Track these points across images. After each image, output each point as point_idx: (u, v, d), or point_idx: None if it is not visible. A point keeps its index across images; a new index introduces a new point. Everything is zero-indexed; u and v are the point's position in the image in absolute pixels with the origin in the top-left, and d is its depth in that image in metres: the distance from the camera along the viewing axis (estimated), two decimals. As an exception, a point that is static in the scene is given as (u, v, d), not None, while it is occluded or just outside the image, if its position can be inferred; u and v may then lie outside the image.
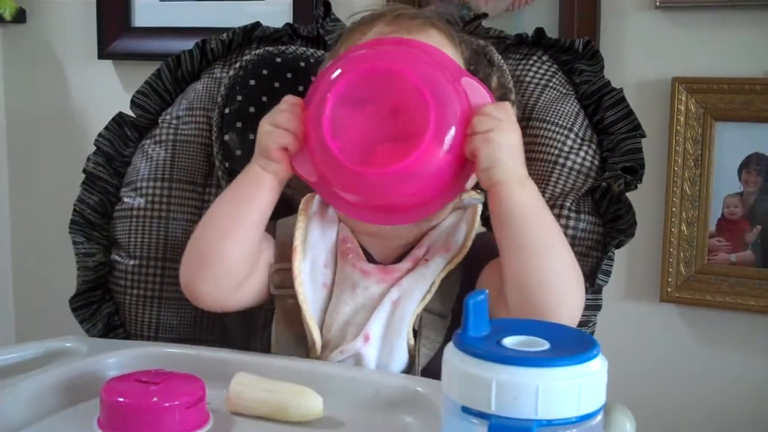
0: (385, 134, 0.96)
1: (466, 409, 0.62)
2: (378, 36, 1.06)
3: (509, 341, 0.64)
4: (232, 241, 1.04)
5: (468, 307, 0.65)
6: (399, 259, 1.08)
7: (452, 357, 0.64)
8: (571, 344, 0.64)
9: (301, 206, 1.12)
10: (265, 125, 1.03)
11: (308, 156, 1.01)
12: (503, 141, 0.95)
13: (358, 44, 1.04)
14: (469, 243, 1.07)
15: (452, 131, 0.95)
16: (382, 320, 1.04)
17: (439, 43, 1.06)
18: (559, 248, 0.99)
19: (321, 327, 1.05)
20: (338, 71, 0.97)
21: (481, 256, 1.07)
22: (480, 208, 1.12)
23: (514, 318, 0.92)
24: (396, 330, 1.03)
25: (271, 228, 1.11)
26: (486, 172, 0.96)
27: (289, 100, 1.04)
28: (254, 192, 1.04)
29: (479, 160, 0.95)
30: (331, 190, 1.00)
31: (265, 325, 1.13)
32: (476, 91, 0.99)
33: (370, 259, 1.08)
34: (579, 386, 0.61)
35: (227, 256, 1.04)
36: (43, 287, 2.29)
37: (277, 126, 1.01)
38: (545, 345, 0.64)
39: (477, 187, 1.14)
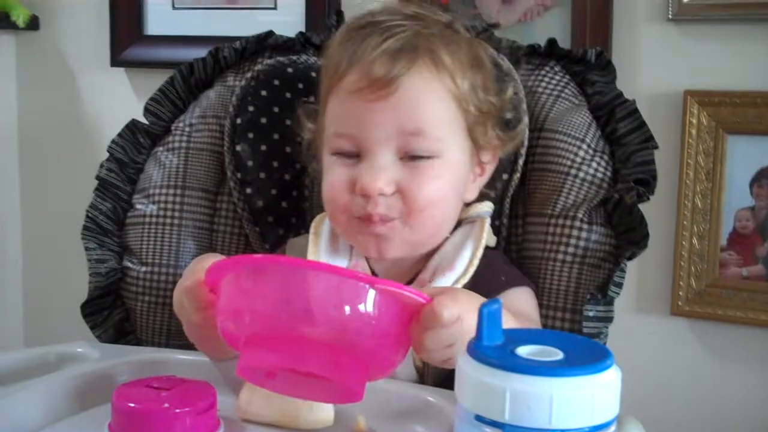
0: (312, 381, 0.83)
1: (479, 418, 0.62)
2: (349, 92, 1.02)
3: (523, 350, 0.64)
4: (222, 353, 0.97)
5: (482, 316, 0.65)
6: (408, 282, 1.08)
7: (466, 365, 0.64)
8: (585, 354, 0.64)
9: (312, 229, 1.13)
10: (176, 306, 0.93)
11: None
12: (468, 330, 0.78)
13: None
14: (476, 263, 1.06)
15: (390, 362, 0.83)
16: None
17: (419, 87, 1.01)
18: None
19: None
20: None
21: (487, 274, 1.07)
22: (488, 221, 1.12)
23: (527, 328, 0.91)
24: None
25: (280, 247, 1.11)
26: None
27: (194, 303, 0.88)
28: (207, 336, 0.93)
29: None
30: None
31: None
32: (398, 295, 0.80)
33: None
34: (593, 396, 0.61)
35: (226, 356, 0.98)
36: (52, 293, 2.30)
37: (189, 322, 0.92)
38: (559, 355, 0.64)
39: (485, 197, 1.14)
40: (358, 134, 1.03)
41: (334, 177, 1.05)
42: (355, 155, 1.04)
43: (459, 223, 1.11)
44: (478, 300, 0.86)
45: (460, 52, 1.06)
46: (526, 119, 1.16)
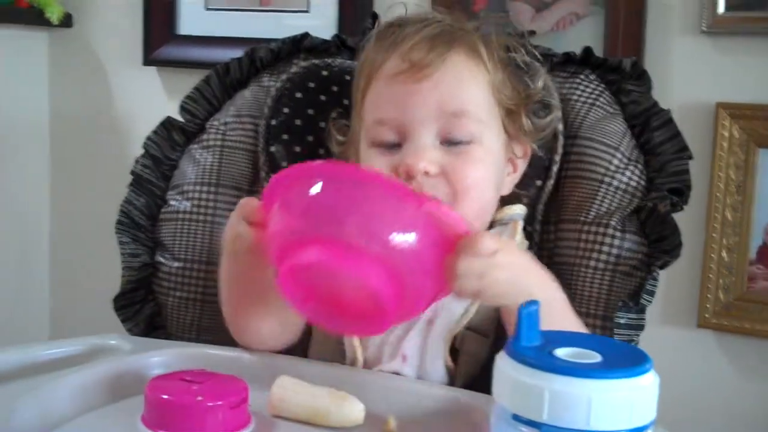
0: (348, 294, 0.87)
1: (517, 417, 0.62)
2: (390, 76, 1.04)
3: (561, 352, 0.65)
4: (255, 320, 1.05)
5: (521, 316, 0.65)
6: None
7: (504, 365, 0.64)
8: (623, 357, 0.65)
9: None
10: (228, 233, 1.00)
11: None
12: (498, 292, 0.90)
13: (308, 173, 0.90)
14: None
15: (423, 287, 0.86)
16: (417, 340, 1.04)
17: (459, 68, 1.05)
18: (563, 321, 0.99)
19: None
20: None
21: None
22: (521, 224, 1.12)
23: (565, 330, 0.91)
24: (432, 350, 1.04)
25: None
26: (491, 300, 0.94)
27: (246, 219, 0.96)
28: (248, 275, 1.02)
29: (481, 298, 0.93)
30: None
31: (302, 338, 1.14)
32: (443, 220, 0.86)
33: None
34: (631, 399, 0.61)
35: (256, 330, 1.06)
36: (78, 289, 2.32)
37: (236, 231, 0.97)
38: (597, 357, 0.64)
39: (516, 200, 1.14)
40: (400, 117, 1.04)
41: (374, 165, 1.06)
42: (396, 144, 1.05)
43: (491, 225, 1.11)
44: (523, 254, 0.95)
45: (491, 47, 1.09)
46: (558, 113, 1.17)
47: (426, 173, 1.02)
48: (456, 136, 1.04)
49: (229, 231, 1.00)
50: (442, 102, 1.04)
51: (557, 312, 0.99)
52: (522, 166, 1.15)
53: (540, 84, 1.15)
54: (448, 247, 0.86)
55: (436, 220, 0.85)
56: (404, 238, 0.83)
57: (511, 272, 0.91)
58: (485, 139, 1.06)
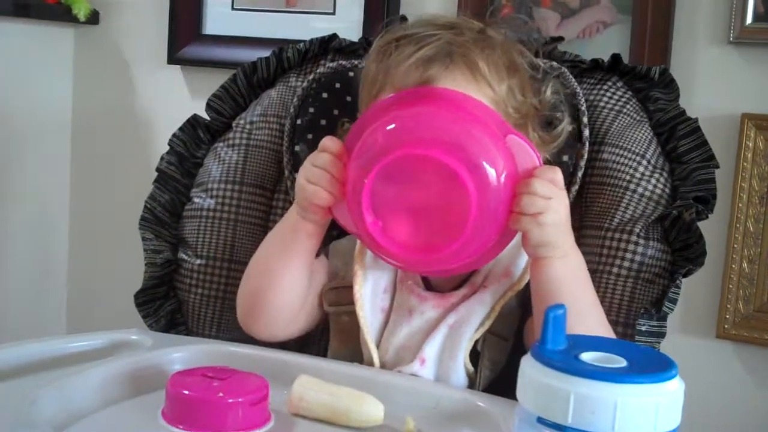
0: (429, 208, 0.95)
1: (541, 420, 0.62)
2: (403, 82, 1.02)
3: (587, 356, 0.65)
4: (279, 290, 1.08)
5: (547, 319, 0.65)
6: (458, 286, 1.08)
7: (530, 368, 0.64)
8: (648, 363, 0.64)
9: None
10: (301, 179, 1.02)
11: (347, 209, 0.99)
12: (553, 221, 0.94)
13: (395, 97, 0.99)
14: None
15: (497, 211, 0.93)
16: (438, 344, 1.04)
17: (458, 84, 1.01)
18: (593, 320, 1.00)
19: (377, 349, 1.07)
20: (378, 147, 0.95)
21: None
22: None
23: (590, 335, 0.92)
24: (452, 354, 1.04)
25: (324, 248, 1.13)
26: (533, 249, 0.97)
27: (326, 151, 1.00)
28: (295, 240, 1.06)
29: (528, 238, 0.96)
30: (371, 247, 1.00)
31: (320, 339, 1.14)
32: (522, 151, 0.95)
33: (429, 286, 1.09)
34: (657, 404, 0.61)
35: (275, 304, 1.08)
36: (96, 286, 2.33)
37: (314, 183, 1.00)
38: (623, 362, 0.64)
39: None
40: None
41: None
42: None
43: None
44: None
45: (494, 56, 1.05)
46: (567, 119, 1.15)
47: None
48: None
49: (304, 170, 1.02)
50: None
51: (582, 282, 1.02)
52: None
53: (549, 93, 1.12)
54: (522, 178, 0.94)
55: (515, 151, 0.94)
56: (489, 160, 0.91)
57: (561, 222, 0.96)
58: None
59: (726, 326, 1.65)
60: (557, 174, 0.95)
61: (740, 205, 1.62)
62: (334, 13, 2.01)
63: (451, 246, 0.92)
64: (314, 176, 1.00)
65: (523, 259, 1.07)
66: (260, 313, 1.09)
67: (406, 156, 0.92)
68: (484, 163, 0.91)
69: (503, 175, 0.92)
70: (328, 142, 1.01)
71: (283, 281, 1.07)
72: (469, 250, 0.94)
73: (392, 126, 0.95)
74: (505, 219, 0.94)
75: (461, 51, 1.02)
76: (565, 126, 1.14)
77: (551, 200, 0.93)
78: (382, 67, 1.05)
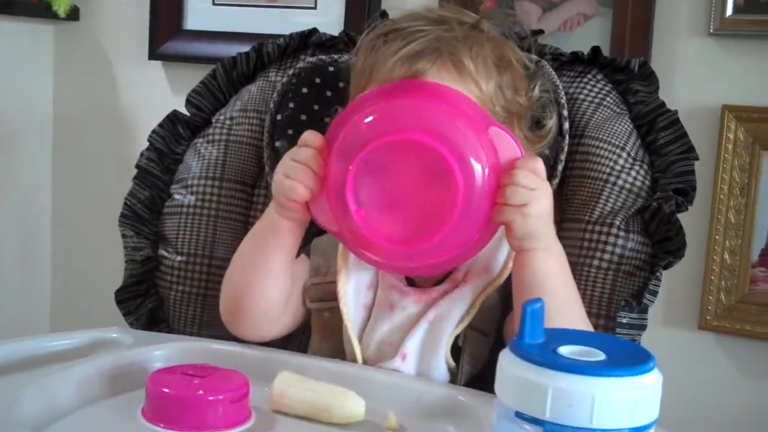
0: (411, 200, 0.95)
1: (519, 415, 0.62)
2: (389, 78, 1.01)
3: (565, 350, 0.65)
4: (261, 291, 1.07)
5: (525, 313, 0.65)
6: (439, 281, 1.08)
7: (508, 362, 0.64)
8: (627, 356, 0.64)
9: None
10: (279, 174, 1.00)
11: (327, 206, 0.98)
12: (537, 212, 0.94)
13: (379, 90, 0.99)
14: (511, 264, 1.06)
15: (481, 203, 0.93)
16: (418, 339, 1.04)
17: (445, 82, 1.00)
18: (573, 314, 1.00)
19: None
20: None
21: None
22: None
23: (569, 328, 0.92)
24: (432, 349, 1.04)
25: (305, 247, 1.12)
26: (518, 241, 0.97)
27: (306, 147, 0.99)
28: (275, 239, 1.05)
29: (512, 230, 0.95)
30: (352, 243, 1.00)
31: (301, 335, 1.14)
32: (505, 143, 0.95)
33: (410, 281, 1.09)
34: (634, 398, 0.61)
35: (259, 305, 1.07)
36: (79, 283, 2.32)
37: (292, 178, 0.99)
38: (601, 355, 0.64)
39: None
40: None
41: None
42: None
43: None
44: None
45: (484, 53, 1.03)
46: (555, 116, 1.15)
47: None
48: None
49: (282, 164, 1.01)
50: None
51: (565, 276, 1.01)
52: None
53: (536, 91, 1.11)
54: (504, 170, 0.94)
55: (497, 143, 0.94)
56: (474, 151, 0.92)
57: (545, 213, 0.96)
58: None
59: (708, 317, 1.66)
60: (539, 164, 0.95)
61: (721, 196, 1.63)
62: (315, 8, 2.00)
63: (434, 237, 0.92)
64: (293, 171, 0.98)
65: (503, 254, 1.07)
66: (244, 315, 1.08)
67: (392, 143, 0.92)
68: (470, 156, 0.91)
69: (487, 168, 0.92)
70: (310, 136, 1.00)
71: (265, 282, 1.06)
72: (451, 243, 0.94)
73: (374, 117, 0.94)
74: (488, 212, 0.94)
75: (448, 48, 1.01)
76: (552, 124, 1.14)
77: (535, 191, 0.93)
78: (370, 62, 1.04)
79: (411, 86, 0.98)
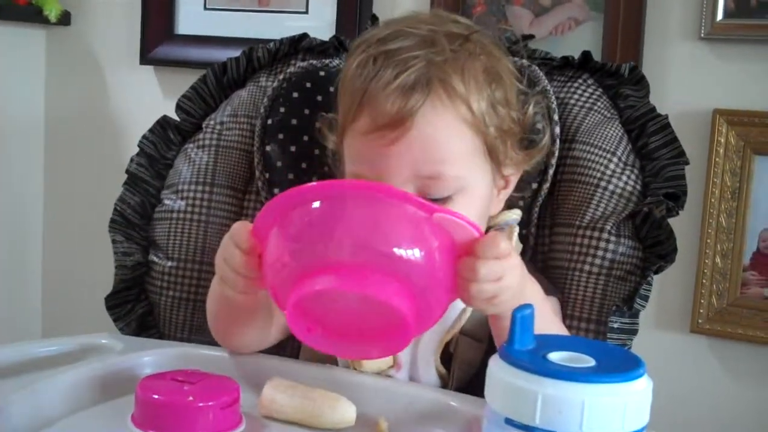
0: (361, 320, 0.84)
1: (509, 421, 0.62)
2: (362, 134, 0.99)
3: (554, 356, 0.65)
4: (241, 337, 1.04)
5: (515, 320, 0.65)
6: None
7: (497, 369, 0.64)
8: (616, 362, 0.64)
9: None
10: (219, 259, 0.94)
11: None
12: (507, 297, 0.88)
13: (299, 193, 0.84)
14: None
15: (437, 293, 0.84)
16: (410, 348, 1.04)
17: (434, 122, 0.97)
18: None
19: None
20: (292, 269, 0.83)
21: None
22: (516, 229, 1.12)
23: (559, 334, 0.91)
24: (423, 357, 1.04)
25: None
26: (492, 317, 0.94)
27: (237, 248, 0.89)
28: (234, 309, 1.00)
29: (484, 312, 0.92)
30: None
31: (292, 340, 1.13)
32: (455, 224, 0.83)
33: None
34: (625, 403, 0.61)
35: (242, 344, 1.05)
36: (71, 287, 2.31)
37: (232, 270, 0.91)
38: (590, 362, 0.64)
39: (514, 205, 1.14)
40: (376, 176, 0.99)
41: None
42: None
43: (487, 231, 1.11)
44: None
45: (476, 70, 1.01)
46: (549, 132, 1.14)
47: None
48: (434, 195, 0.98)
49: (220, 254, 0.94)
50: (416, 166, 0.97)
51: (546, 320, 0.99)
52: (514, 180, 1.10)
53: (531, 110, 1.10)
54: (462, 253, 0.84)
55: (447, 226, 0.82)
56: (418, 250, 0.81)
57: (514, 292, 0.89)
58: (469, 186, 1.01)
59: (700, 321, 1.66)
60: (501, 244, 0.85)
61: (712, 200, 1.63)
62: (307, 12, 2.00)
63: (398, 344, 0.85)
64: (226, 270, 0.92)
65: None
66: (230, 344, 1.06)
67: (320, 292, 0.80)
68: (410, 267, 0.80)
69: (437, 258, 0.82)
70: (238, 234, 0.90)
71: (242, 331, 1.03)
72: (418, 330, 0.86)
73: (297, 247, 0.83)
74: (449, 289, 0.85)
75: (439, 74, 0.98)
76: (547, 142, 1.12)
77: (501, 280, 0.86)
78: (360, 87, 1.01)
79: (335, 194, 0.84)
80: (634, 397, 0.62)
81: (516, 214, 1.13)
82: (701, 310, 1.66)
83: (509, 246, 0.87)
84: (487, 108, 1.01)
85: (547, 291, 1.09)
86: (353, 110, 1.01)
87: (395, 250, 0.80)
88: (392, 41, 1.01)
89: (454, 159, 0.99)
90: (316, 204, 0.82)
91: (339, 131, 1.07)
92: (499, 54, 1.07)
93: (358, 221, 0.81)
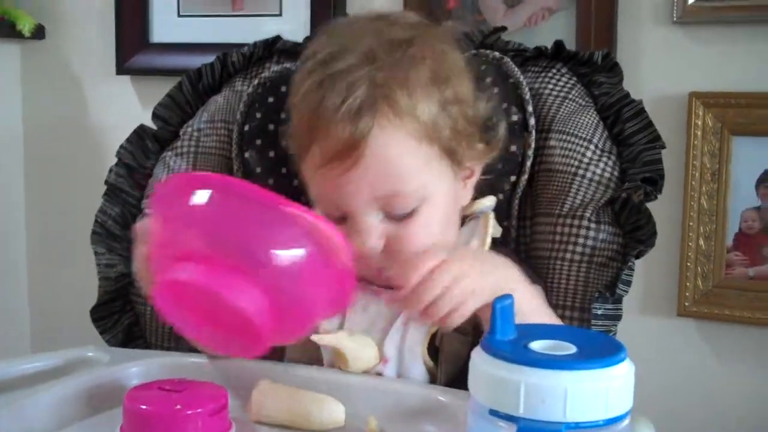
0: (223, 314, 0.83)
1: (493, 412, 0.62)
2: (317, 165, 1.00)
3: (536, 345, 0.65)
4: None
5: (495, 310, 0.65)
6: None
7: (480, 360, 0.64)
8: (598, 348, 0.64)
9: None
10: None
11: None
12: (475, 302, 0.92)
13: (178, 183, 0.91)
14: None
15: (310, 311, 0.85)
16: (396, 341, 1.04)
17: (386, 144, 0.98)
18: None
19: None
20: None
21: None
22: (492, 215, 1.12)
23: (540, 323, 0.92)
24: (410, 350, 1.04)
25: None
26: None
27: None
28: None
29: (467, 308, 0.93)
30: None
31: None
32: (330, 236, 0.83)
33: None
34: (607, 389, 0.61)
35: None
36: (57, 299, 2.31)
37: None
38: (572, 349, 0.64)
39: (484, 192, 1.14)
40: (337, 202, 1.01)
41: None
42: (342, 217, 1.02)
43: (464, 220, 1.11)
44: (482, 252, 0.97)
45: (421, 76, 1.01)
46: (503, 124, 1.13)
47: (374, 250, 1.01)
48: (397, 212, 1.01)
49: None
50: (374, 188, 0.99)
51: (533, 305, 1.00)
52: (479, 168, 1.11)
53: (483, 106, 1.09)
54: (337, 265, 0.83)
55: (321, 238, 0.82)
56: (284, 258, 0.80)
57: (475, 291, 0.92)
58: (431, 194, 1.02)
59: (686, 304, 1.67)
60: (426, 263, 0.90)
61: (693, 182, 1.64)
62: (280, 15, 2.00)
63: (254, 347, 0.85)
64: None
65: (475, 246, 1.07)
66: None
67: (187, 281, 0.81)
68: (273, 271, 0.81)
69: (306, 265, 0.81)
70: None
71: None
72: (278, 337, 0.87)
73: (159, 239, 0.87)
74: (327, 297, 0.85)
75: (383, 92, 0.98)
76: (502, 132, 1.12)
77: (453, 288, 0.90)
78: (308, 117, 1.01)
79: (228, 188, 0.85)
80: (617, 381, 0.62)
81: (490, 201, 1.14)
82: (687, 294, 1.66)
83: (434, 255, 0.90)
84: (438, 111, 1.01)
85: (531, 281, 1.09)
86: (305, 143, 1.03)
87: (262, 255, 0.80)
88: (335, 61, 1.01)
89: (411, 175, 1.01)
90: (194, 196, 0.83)
91: (296, 154, 1.08)
92: (449, 49, 1.07)
93: (230, 220, 0.81)
